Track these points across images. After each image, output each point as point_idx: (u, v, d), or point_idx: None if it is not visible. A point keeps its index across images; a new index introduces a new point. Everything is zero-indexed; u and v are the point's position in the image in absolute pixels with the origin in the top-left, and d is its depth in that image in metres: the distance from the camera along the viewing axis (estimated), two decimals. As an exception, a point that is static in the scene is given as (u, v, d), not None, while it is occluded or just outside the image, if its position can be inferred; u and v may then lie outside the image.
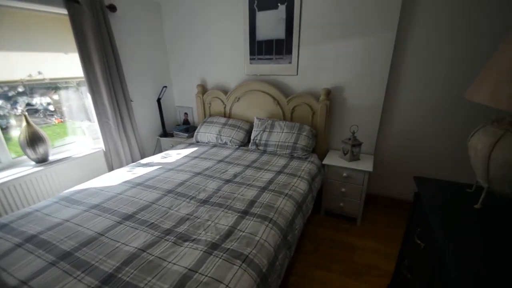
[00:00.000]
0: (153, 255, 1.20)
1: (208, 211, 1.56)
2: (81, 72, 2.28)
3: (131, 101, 2.74)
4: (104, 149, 2.56)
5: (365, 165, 2.24)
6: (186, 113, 3.41)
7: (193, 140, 2.95)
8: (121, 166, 2.61)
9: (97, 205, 1.63)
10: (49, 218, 1.50)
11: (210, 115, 3.08)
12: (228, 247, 1.25)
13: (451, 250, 0.81)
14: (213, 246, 1.25)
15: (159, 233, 1.36)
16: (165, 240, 1.31)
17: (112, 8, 2.43)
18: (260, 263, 1.20)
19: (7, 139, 2.09)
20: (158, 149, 3.25)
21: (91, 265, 1.15)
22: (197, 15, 2.86)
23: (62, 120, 2.47)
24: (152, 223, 1.45)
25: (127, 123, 2.68)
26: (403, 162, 2.44)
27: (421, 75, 2.16)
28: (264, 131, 2.58)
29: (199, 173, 2.07)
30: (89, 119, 2.60)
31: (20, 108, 2.10)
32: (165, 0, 2.97)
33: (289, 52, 2.51)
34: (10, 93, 2.06)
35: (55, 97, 2.37)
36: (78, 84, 2.48)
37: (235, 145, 2.70)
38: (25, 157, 2.13)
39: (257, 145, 2.59)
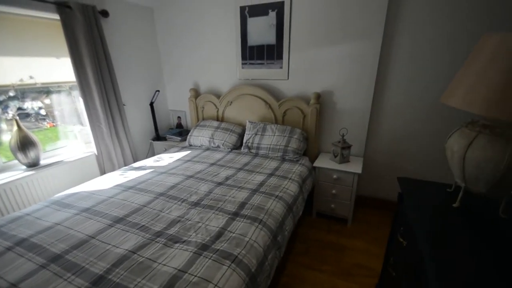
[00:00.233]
0: (143, 257, 1.22)
1: (199, 213, 1.59)
2: (73, 76, 2.29)
3: (124, 105, 2.76)
4: (96, 153, 2.56)
5: (355, 167, 2.29)
6: (179, 117, 3.44)
7: (186, 143, 2.97)
8: (113, 170, 2.62)
9: (88, 208, 1.64)
10: (39, 221, 1.51)
11: (203, 119, 3.11)
12: (218, 248, 1.28)
13: (428, 247, 0.85)
14: (203, 247, 1.28)
15: (150, 235, 1.38)
16: (156, 242, 1.33)
17: (105, 13, 2.45)
18: (249, 263, 1.23)
19: (-2, 143, 2.08)
20: (151, 153, 3.26)
21: (82, 267, 1.16)
22: (189, 20, 2.91)
23: (54, 124, 2.47)
24: (143, 225, 1.47)
25: (120, 127, 2.69)
26: (391, 164, 2.51)
27: (404, 79, 2.24)
28: (256, 134, 2.62)
29: (191, 176, 2.09)
30: (81, 123, 2.61)
31: (11, 113, 2.10)
32: (157, 5, 3.01)
33: (280, 57, 2.57)
34: (1, 98, 2.06)
35: (47, 101, 2.38)
36: (71, 88, 2.49)
37: (228, 148, 2.73)
38: (16, 161, 2.13)
39: (249, 148, 2.63)
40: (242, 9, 2.58)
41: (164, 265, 1.17)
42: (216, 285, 1.06)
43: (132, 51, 2.87)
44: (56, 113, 2.46)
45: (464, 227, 0.96)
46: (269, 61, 2.64)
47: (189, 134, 2.94)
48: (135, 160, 2.89)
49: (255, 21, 2.57)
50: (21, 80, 2.09)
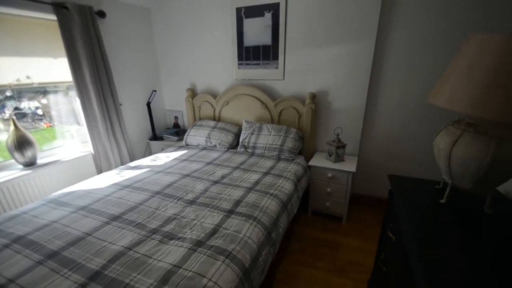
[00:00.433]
0: (139, 253, 1.24)
1: (194, 211, 1.61)
2: (70, 77, 2.31)
3: (121, 105, 2.77)
4: (93, 153, 2.58)
5: (349, 166, 2.33)
6: (176, 117, 3.46)
7: (183, 143, 2.99)
8: (110, 169, 2.63)
9: (85, 206, 1.65)
10: (36, 219, 1.52)
11: (200, 119, 3.13)
12: (213, 244, 1.30)
13: (413, 240, 0.88)
14: (198, 244, 1.30)
15: (145, 232, 1.40)
16: (151, 239, 1.35)
17: (102, 14, 2.47)
18: (243, 258, 1.25)
19: (-5, 143, 2.10)
20: (148, 153, 3.27)
21: (78, 263, 1.18)
22: (186, 21, 2.93)
23: (51, 124, 2.48)
24: (139, 223, 1.49)
25: (116, 126, 2.71)
26: (385, 162, 2.54)
27: (398, 80, 2.28)
28: (252, 134, 2.65)
29: (187, 175, 2.11)
30: (78, 123, 2.62)
31: (8, 112, 2.11)
32: (154, 6, 3.03)
33: (276, 57, 2.60)
34: (-2, 97, 2.07)
35: (44, 101, 2.39)
36: (68, 88, 2.50)
37: (224, 148, 2.76)
38: (12, 160, 2.14)
39: (245, 147, 2.66)
40: (238, 10, 2.61)
41: (160, 260, 1.19)
42: (210, 279, 1.09)
43: (129, 52, 2.89)
44: (53, 113, 2.47)
45: (449, 220, 0.99)
46: (265, 62, 2.68)
47: (186, 133, 2.97)
48: (132, 160, 2.91)
49: (251, 22, 2.60)
50: (18, 80, 2.11)
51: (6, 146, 2.05)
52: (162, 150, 3.05)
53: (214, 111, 3.04)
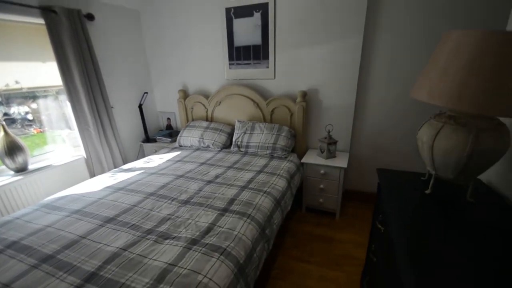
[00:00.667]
0: (134, 253, 1.25)
1: (189, 210, 1.63)
2: (60, 80, 2.29)
3: (112, 107, 2.76)
4: (85, 156, 2.56)
5: (341, 162, 2.37)
6: (169, 118, 3.46)
7: (176, 144, 2.99)
8: (103, 172, 2.62)
9: (79, 210, 1.65)
10: (30, 224, 1.52)
11: (193, 120, 3.14)
12: (207, 242, 1.32)
13: (401, 231, 0.92)
14: (193, 242, 1.32)
15: (140, 233, 1.41)
16: (146, 239, 1.36)
17: (90, 17, 2.46)
18: (238, 255, 1.28)
19: (-16, 149, 2.07)
20: (141, 155, 3.27)
21: (73, 266, 1.19)
22: (175, 22, 2.94)
23: (41, 130, 2.45)
24: (134, 224, 1.50)
25: (108, 129, 2.70)
26: (375, 157, 2.60)
27: (386, 77, 2.33)
28: (245, 133, 2.67)
29: (181, 176, 2.12)
30: (69, 127, 2.60)
31: (-3, 118, 2.09)
32: (144, 7, 3.03)
33: (266, 57, 2.63)
34: (-14, 103, 2.05)
35: (34, 106, 2.37)
36: (57, 92, 2.49)
37: (218, 148, 2.77)
38: (3, 166, 2.12)
39: (238, 147, 2.68)
40: (228, 10, 2.63)
41: (155, 260, 1.21)
42: (205, 276, 1.11)
43: (119, 54, 2.88)
44: (43, 117, 2.45)
45: (434, 210, 1.03)
46: (255, 61, 2.70)
47: (179, 135, 2.97)
48: (125, 162, 2.90)
49: (241, 22, 2.62)
50: (7, 85, 2.09)
51: (-4, 152, 2.03)
52: (155, 152, 3.05)
53: (207, 111, 3.05)
